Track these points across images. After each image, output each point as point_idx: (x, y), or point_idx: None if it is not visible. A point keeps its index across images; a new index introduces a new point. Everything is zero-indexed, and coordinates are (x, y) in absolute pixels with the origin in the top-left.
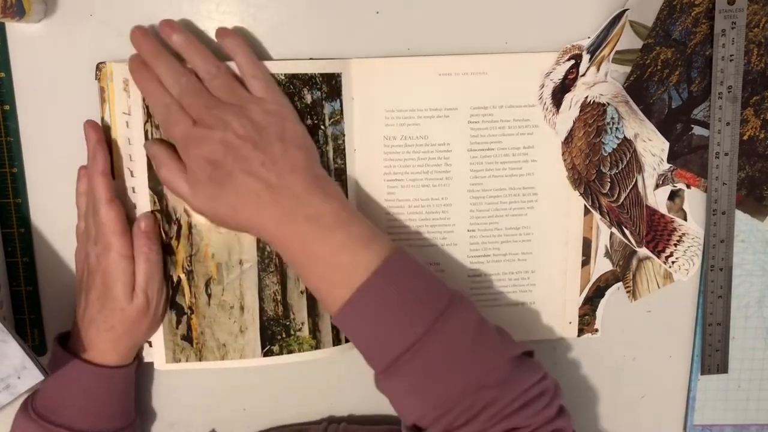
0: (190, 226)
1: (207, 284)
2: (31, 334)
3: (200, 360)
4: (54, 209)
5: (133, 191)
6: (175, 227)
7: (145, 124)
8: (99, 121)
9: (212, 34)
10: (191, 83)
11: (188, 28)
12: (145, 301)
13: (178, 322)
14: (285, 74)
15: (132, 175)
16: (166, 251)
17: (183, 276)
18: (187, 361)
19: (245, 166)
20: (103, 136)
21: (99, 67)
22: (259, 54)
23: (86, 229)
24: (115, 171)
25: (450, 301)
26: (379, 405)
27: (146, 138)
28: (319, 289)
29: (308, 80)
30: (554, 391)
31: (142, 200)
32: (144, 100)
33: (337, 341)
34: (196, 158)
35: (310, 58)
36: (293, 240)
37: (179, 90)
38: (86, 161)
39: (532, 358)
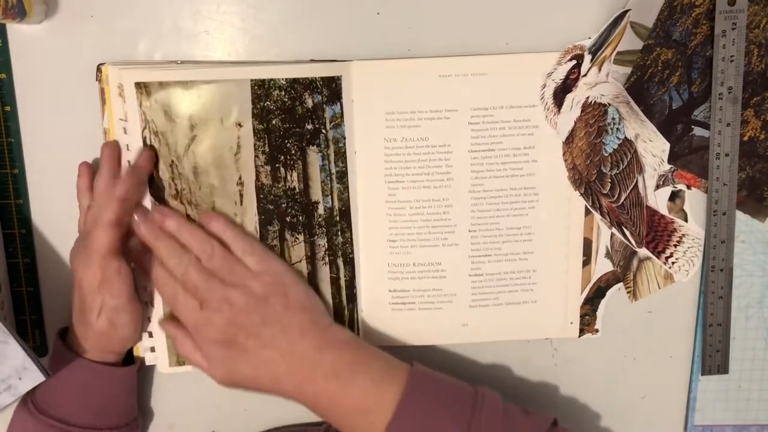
0: None
1: None
2: (32, 335)
3: None
4: (55, 210)
5: None
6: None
7: (143, 130)
8: (98, 122)
9: (212, 34)
10: (192, 264)
11: (189, 27)
12: (109, 327)
13: None
14: (286, 78)
15: None
16: None
17: None
18: (188, 364)
19: (256, 340)
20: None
21: (99, 69)
22: (259, 54)
23: (83, 229)
24: None
25: (474, 401)
26: None
27: (144, 144)
28: (356, 430)
29: (309, 84)
30: None
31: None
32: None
33: None
34: (208, 341)
35: (311, 60)
36: (319, 398)
37: (182, 272)
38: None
39: (558, 426)
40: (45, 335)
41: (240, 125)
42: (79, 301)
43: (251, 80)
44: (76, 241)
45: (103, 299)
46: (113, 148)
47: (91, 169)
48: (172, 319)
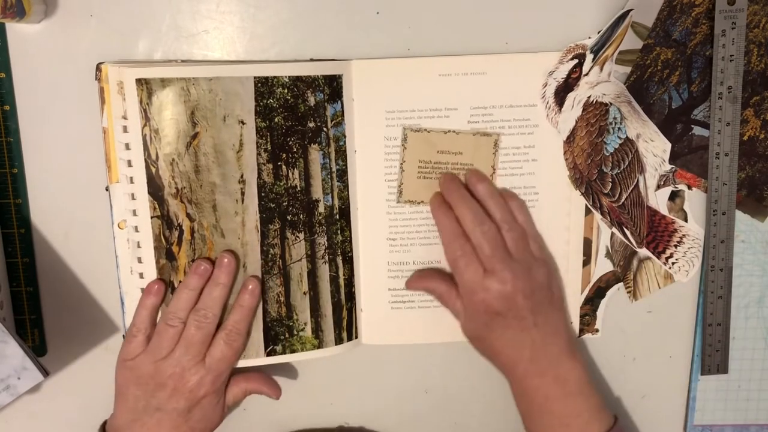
0: (192, 231)
1: None
2: (31, 335)
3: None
4: (54, 210)
5: (132, 198)
6: (176, 233)
7: (143, 128)
8: (97, 121)
9: (211, 33)
10: (492, 231)
11: (188, 26)
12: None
13: None
14: (289, 76)
15: (131, 182)
16: (168, 257)
17: None
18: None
19: (520, 324)
20: None
21: (99, 68)
22: (259, 54)
23: (188, 347)
24: (113, 174)
25: None
26: (379, 403)
27: (144, 143)
28: None
29: (312, 82)
30: None
31: (142, 206)
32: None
33: (339, 340)
34: (479, 303)
35: (311, 59)
36: (537, 393)
37: (480, 236)
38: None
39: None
40: (44, 335)
41: (243, 123)
42: (189, 414)
43: (255, 77)
44: (152, 358)
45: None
46: (233, 262)
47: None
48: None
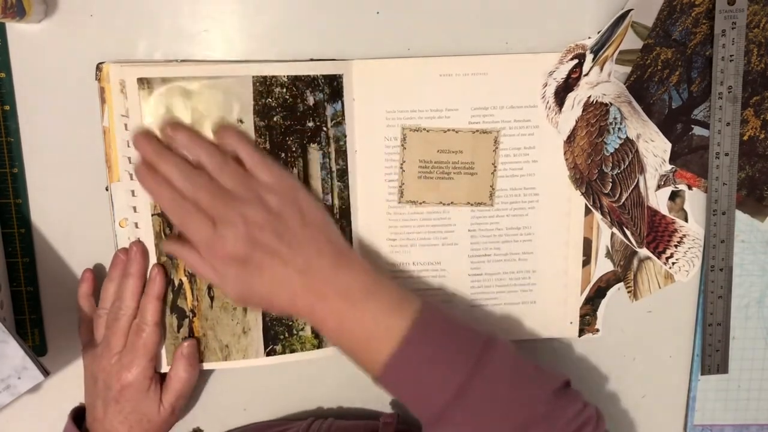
0: None
1: (210, 287)
2: (31, 335)
3: (202, 362)
4: (54, 209)
5: (133, 194)
6: (176, 230)
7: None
8: (98, 121)
9: (211, 33)
10: (203, 179)
11: (188, 26)
12: (171, 412)
13: (180, 326)
14: (288, 76)
15: (132, 178)
16: (168, 255)
17: (185, 279)
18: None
19: (272, 257)
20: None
21: (99, 68)
22: (259, 53)
23: (107, 338)
24: (113, 174)
25: (485, 345)
26: (379, 403)
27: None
28: (359, 355)
29: (311, 82)
30: (597, 419)
31: (143, 203)
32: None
33: None
34: (222, 259)
35: (311, 59)
36: (329, 317)
37: (192, 188)
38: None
39: (570, 387)
40: (44, 335)
41: (241, 122)
42: (125, 405)
43: (253, 77)
44: (93, 349)
45: (159, 388)
46: (141, 252)
47: (94, 275)
48: (174, 239)
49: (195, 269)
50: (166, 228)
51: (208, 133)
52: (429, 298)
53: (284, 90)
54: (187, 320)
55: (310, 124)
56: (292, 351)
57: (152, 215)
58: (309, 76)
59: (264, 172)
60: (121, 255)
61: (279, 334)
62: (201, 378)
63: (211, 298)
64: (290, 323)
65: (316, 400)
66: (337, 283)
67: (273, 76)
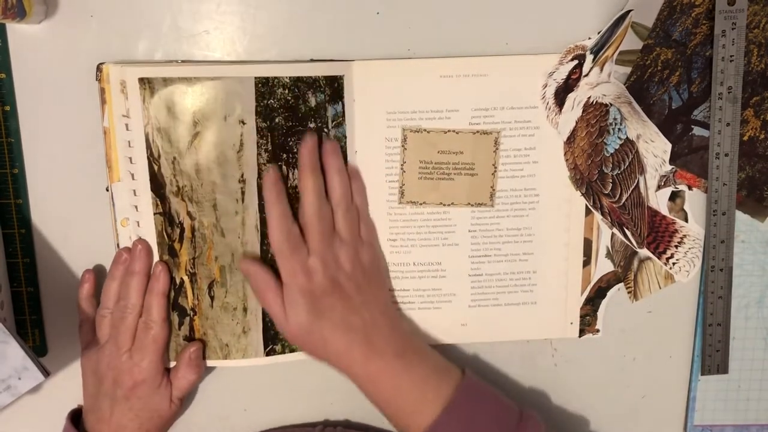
0: (193, 230)
1: (210, 286)
2: (32, 335)
3: (204, 359)
4: (55, 210)
5: (135, 194)
6: (178, 230)
7: (146, 126)
8: (98, 122)
9: (212, 34)
10: (326, 212)
11: (188, 27)
12: (180, 406)
13: (181, 324)
14: (290, 77)
15: (133, 179)
16: (170, 253)
17: (186, 278)
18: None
19: (347, 304)
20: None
21: (99, 68)
22: (259, 54)
23: (115, 337)
24: (114, 174)
25: (519, 418)
26: None
27: (147, 141)
28: (401, 415)
29: (312, 83)
30: None
31: (144, 203)
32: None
33: None
34: (301, 289)
35: (311, 59)
36: (383, 374)
37: (312, 215)
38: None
39: None
40: (45, 335)
41: (243, 122)
42: (136, 402)
43: (255, 78)
44: (97, 347)
45: (169, 383)
46: (146, 249)
47: (95, 276)
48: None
49: (263, 293)
50: (167, 227)
51: (208, 132)
52: (429, 298)
53: (286, 91)
54: (187, 319)
55: (312, 125)
56: (292, 351)
57: (154, 214)
58: (311, 77)
59: (366, 228)
60: (124, 253)
61: (279, 334)
62: (203, 383)
63: (212, 298)
64: None
65: (316, 399)
66: (395, 343)
67: (275, 77)
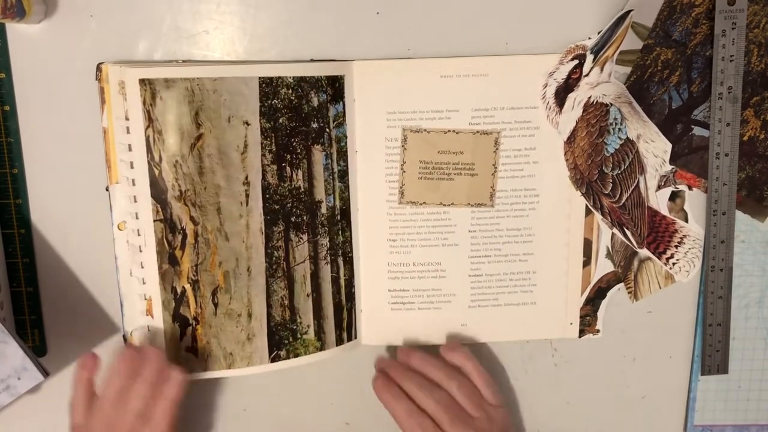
0: (196, 235)
1: (214, 293)
2: (31, 335)
3: (205, 371)
4: (54, 210)
5: (134, 200)
6: (179, 236)
7: (146, 129)
8: (98, 121)
9: (211, 34)
10: (445, 398)
11: (188, 27)
12: None
13: (183, 334)
14: (293, 77)
15: (133, 184)
16: (170, 261)
17: (188, 286)
18: (191, 372)
19: None
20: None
21: (99, 68)
22: (259, 54)
23: (112, 426)
24: (113, 174)
25: None
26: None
27: (147, 145)
28: None
29: (315, 83)
30: None
31: (144, 210)
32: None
33: (339, 341)
34: None
35: (311, 60)
36: None
37: (434, 406)
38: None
39: None
40: (44, 335)
41: (247, 123)
42: None
43: (259, 78)
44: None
45: None
46: (156, 356)
47: (98, 362)
48: None
49: None
50: (168, 234)
51: (212, 134)
52: (429, 298)
53: (290, 91)
54: (190, 328)
55: (314, 125)
56: (296, 355)
57: (155, 221)
58: (314, 77)
59: (488, 391)
60: (134, 353)
61: (284, 338)
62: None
63: (216, 305)
64: (294, 327)
65: (316, 399)
66: None
67: (279, 77)
